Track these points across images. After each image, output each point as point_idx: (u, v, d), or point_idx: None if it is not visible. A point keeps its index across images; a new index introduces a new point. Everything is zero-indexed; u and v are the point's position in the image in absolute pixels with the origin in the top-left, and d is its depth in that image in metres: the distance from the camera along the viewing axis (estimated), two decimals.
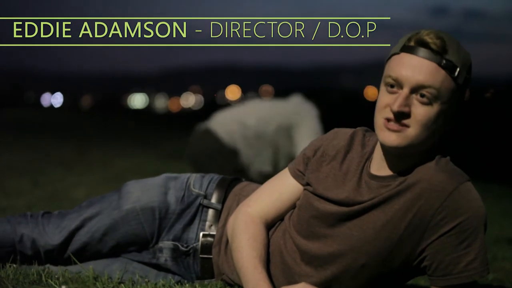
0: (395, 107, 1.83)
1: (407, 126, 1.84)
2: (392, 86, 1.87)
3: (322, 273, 1.99)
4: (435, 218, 1.85)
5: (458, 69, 1.85)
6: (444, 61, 1.83)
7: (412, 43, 1.87)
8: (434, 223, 1.86)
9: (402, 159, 1.92)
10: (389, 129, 1.86)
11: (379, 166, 1.97)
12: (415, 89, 1.83)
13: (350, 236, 1.94)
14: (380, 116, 1.88)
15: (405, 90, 1.84)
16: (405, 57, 1.86)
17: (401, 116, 1.84)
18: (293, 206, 2.13)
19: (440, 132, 1.91)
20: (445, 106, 1.86)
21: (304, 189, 2.10)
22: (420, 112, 1.84)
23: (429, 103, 1.83)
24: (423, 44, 1.84)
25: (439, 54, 1.84)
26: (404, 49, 1.88)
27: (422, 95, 1.83)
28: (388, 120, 1.86)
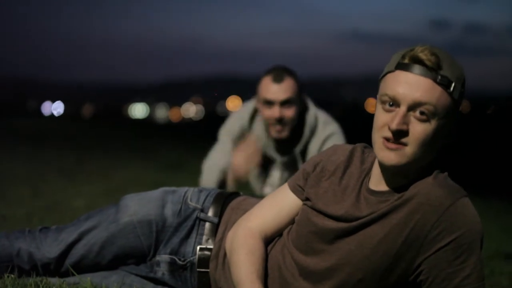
0: (394, 126, 1.83)
1: (405, 144, 1.85)
2: (389, 104, 1.87)
3: None
4: (432, 233, 1.86)
5: (453, 84, 1.86)
6: (439, 77, 1.84)
7: (406, 60, 1.87)
8: (431, 238, 1.86)
9: (400, 176, 1.93)
10: (388, 148, 1.86)
11: (377, 182, 1.98)
12: (412, 107, 1.84)
13: (348, 251, 1.94)
14: (379, 135, 1.88)
15: (403, 108, 1.84)
16: (400, 74, 1.87)
17: (399, 135, 1.84)
18: (292, 221, 2.13)
19: (438, 148, 1.92)
20: (442, 122, 1.87)
21: (303, 204, 2.10)
22: (418, 129, 1.84)
23: (426, 120, 1.84)
24: (418, 61, 1.85)
25: (434, 70, 1.84)
26: (399, 66, 1.88)
27: (421, 113, 1.83)
28: (387, 139, 1.86)
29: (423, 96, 1.83)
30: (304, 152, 3.70)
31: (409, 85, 1.84)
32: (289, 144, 3.74)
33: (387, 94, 1.87)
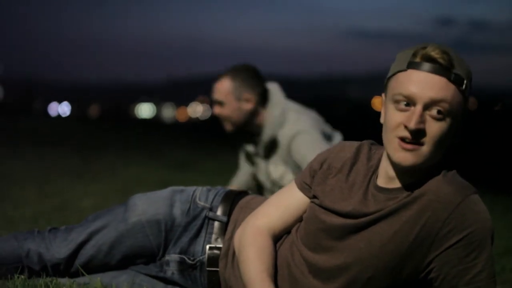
0: (413, 125, 1.82)
1: (422, 144, 1.84)
2: (403, 103, 1.86)
3: (330, 285, 1.99)
4: (443, 230, 1.86)
5: (465, 82, 1.86)
6: (453, 75, 1.84)
7: (418, 59, 1.86)
8: (442, 235, 1.86)
9: (410, 174, 1.92)
10: (404, 149, 1.85)
11: (385, 179, 1.97)
12: (428, 105, 1.83)
13: (357, 249, 1.94)
14: (394, 135, 1.87)
15: (419, 107, 1.83)
16: (413, 73, 1.86)
17: (417, 134, 1.83)
18: (300, 219, 2.13)
19: (448, 145, 1.91)
20: (455, 120, 1.87)
21: (311, 202, 2.10)
22: (435, 128, 1.83)
23: (442, 119, 1.84)
24: (431, 59, 1.84)
25: (447, 69, 1.84)
26: (411, 65, 1.87)
27: (438, 111, 1.83)
28: (403, 139, 1.85)
29: (438, 94, 1.82)
30: (272, 146, 3.80)
31: (423, 84, 1.83)
32: (246, 138, 3.97)
33: (401, 93, 1.85)
